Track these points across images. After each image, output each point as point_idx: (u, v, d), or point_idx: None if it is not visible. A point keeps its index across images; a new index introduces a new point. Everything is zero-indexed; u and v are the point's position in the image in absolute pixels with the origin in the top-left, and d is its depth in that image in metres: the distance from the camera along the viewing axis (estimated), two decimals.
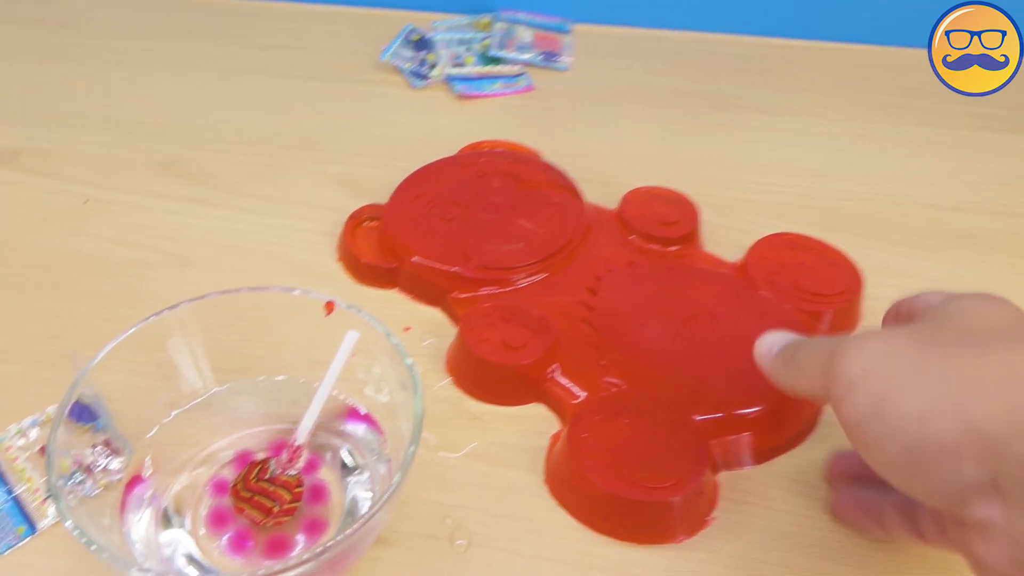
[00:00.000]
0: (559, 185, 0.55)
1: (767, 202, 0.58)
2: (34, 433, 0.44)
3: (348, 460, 0.40)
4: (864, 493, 0.39)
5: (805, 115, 0.66)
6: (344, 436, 0.41)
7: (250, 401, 0.41)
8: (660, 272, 0.51)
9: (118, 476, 0.39)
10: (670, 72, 0.70)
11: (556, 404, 0.45)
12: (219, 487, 0.38)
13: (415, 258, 0.50)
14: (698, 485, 0.40)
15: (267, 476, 0.37)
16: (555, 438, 0.43)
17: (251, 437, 0.40)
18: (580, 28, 0.75)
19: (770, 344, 0.40)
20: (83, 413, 0.42)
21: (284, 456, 0.38)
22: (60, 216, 0.55)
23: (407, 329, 0.49)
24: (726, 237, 0.55)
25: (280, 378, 0.42)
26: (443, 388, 0.46)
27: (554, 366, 0.45)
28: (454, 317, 0.49)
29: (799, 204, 0.58)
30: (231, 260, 0.52)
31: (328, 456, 0.40)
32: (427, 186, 0.55)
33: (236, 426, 0.41)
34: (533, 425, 0.44)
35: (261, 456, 0.39)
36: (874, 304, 0.50)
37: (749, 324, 0.47)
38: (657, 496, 0.39)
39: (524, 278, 0.50)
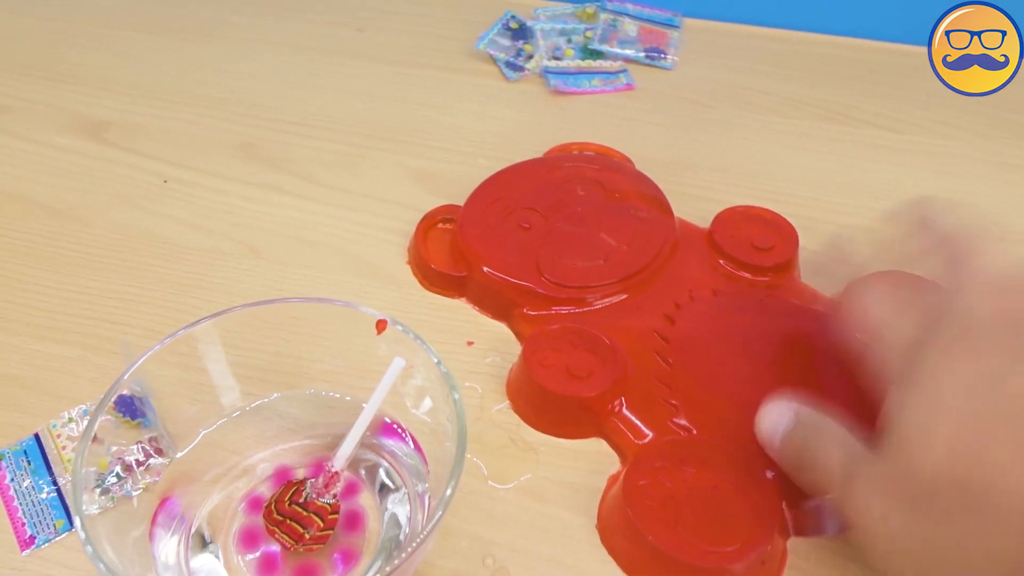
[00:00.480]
0: (649, 197, 0.52)
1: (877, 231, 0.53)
2: (86, 422, 0.43)
3: (387, 481, 0.38)
4: None
5: (933, 134, 0.60)
6: (384, 453, 0.39)
7: (295, 414, 0.40)
8: (747, 304, 0.47)
9: (159, 478, 0.39)
10: (785, 77, 0.65)
11: (618, 442, 0.42)
12: (254, 504, 0.37)
13: (485, 268, 0.47)
14: (763, 553, 0.36)
15: (301, 500, 0.36)
16: (612, 479, 0.40)
17: (293, 451, 0.39)
18: (691, 23, 0.70)
19: (773, 424, 0.38)
20: (130, 407, 0.41)
21: (320, 481, 0.36)
22: (138, 195, 0.54)
23: (470, 344, 0.46)
24: (825, 268, 0.50)
25: (329, 393, 0.40)
26: (500, 412, 0.43)
27: (620, 400, 0.42)
28: (520, 335, 0.47)
29: None
30: (301, 254, 0.51)
31: (366, 473, 0.38)
32: (507, 189, 0.52)
33: (279, 438, 0.39)
34: (592, 462, 0.41)
35: (300, 474, 0.38)
36: None
37: (840, 372, 0.43)
38: (715, 561, 0.36)
39: (599, 299, 0.47)
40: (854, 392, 0.42)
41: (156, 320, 0.47)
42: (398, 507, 0.37)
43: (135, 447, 0.40)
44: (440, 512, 0.31)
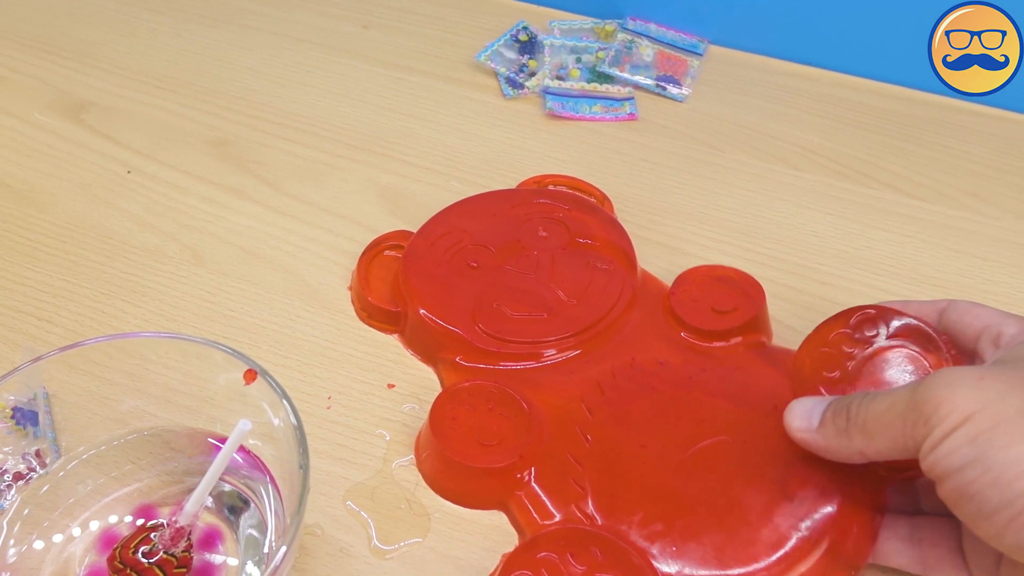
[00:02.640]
0: (615, 247, 0.48)
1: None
2: None
3: (238, 502, 0.36)
4: (910, 529, 0.36)
5: (958, 206, 0.54)
6: (227, 476, 0.37)
7: (168, 447, 0.38)
8: (695, 377, 0.42)
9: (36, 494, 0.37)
10: (802, 122, 0.59)
11: (520, 519, 0.38)
12: (107, 542, 0.35)
13: (421, 310, 0.44)
14: None
15: (148, 548, 0.34)
16: (504, 561, 0.37)
17: (161, 486, 0.37)
18: (715, 51, 0.65)
19: (807, 412, 0.36)
20: (24, 415, 0.40)
21: (167, 533, 0.34)
22: (99, 184, 0.53)
23: (391, 386, 0.43)
24: (794, 344, 0.45)
25: (206, 431, 0.38)
26: (401, 467, 0.40)
27: (529, 471, 0.39)
28: (445, 384, 0.44)
29: None
30: (243, 266, 0.49)
31: (213, 502, 0.36)
32: (464, 221, 0.49)
33: (153, 471, 0.37)
34: (487, 538, 0.38)
35: (163, 513, 0.36)
36: None
37: (771, 462, 0.38)
38: None
39: (535, 356, 0.43)
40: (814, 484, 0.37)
41: (79, 321, 0.46)
42: (250, 524, 0.36)
43: (19, 458, 0.39)
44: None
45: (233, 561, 0.35)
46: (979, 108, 0.61)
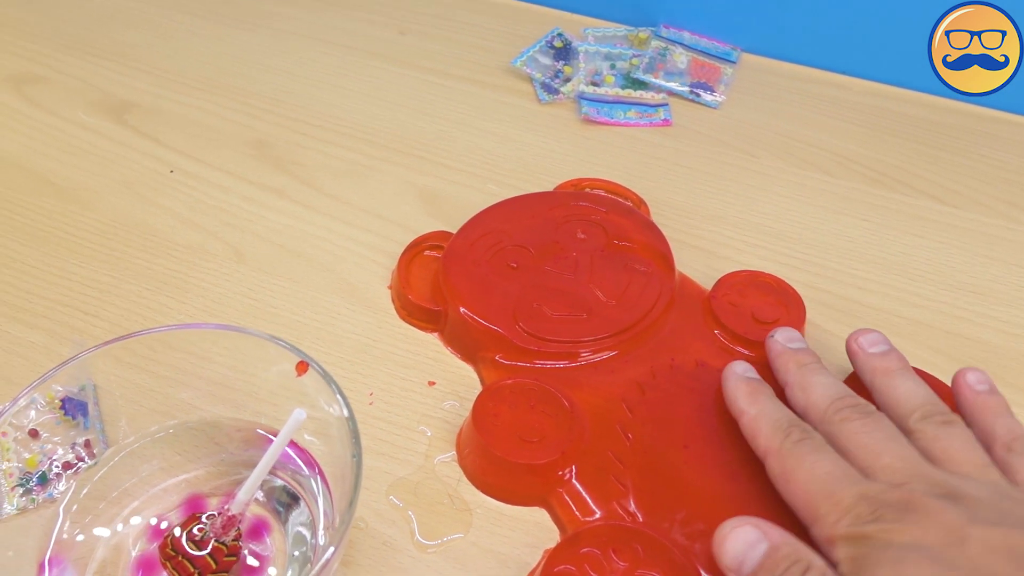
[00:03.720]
0: (652, 249, 0.48)
1: (900, 316, 0.48)
2: (33, 412, 0.43)
3: (287, 498, 0.37)
4: None
5: (992, 212, 0.54)
6: (280, 471, 0.37)
7: (222, 440, 0.38)
8: None
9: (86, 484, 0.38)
10: (838, 130, 0.60)
11: (562, 516, 0.38)
12: (156, 532, 0.36)
13: (461, 308, 0.45)
14: None
15: (198, 537, 0.34)
16: (547, 555, 0.37)
17: (211, 477, 0.38)
18: (748, 59, 0.66)
19: (738, 554, 0.33)
20: (72, 406, 0.41)
21: (218, 521, 0.34)
22: (142, 182, 0.54)
23: (431, 384, 0.44)
24: (835, 352, 0.45)
25: (255, 423, 0.39)
26: (443, 463, 0.41)
27: (570, 468, 0.39)
28: (485, 382, 0.44)
29: (941, 326, 0.47)
30: (284, 264, 0.49)
31: (264, 496, 0.37)
32: (503, 222, 0.49)
33: (201, 462, 0.38)
34: (528, 534, 0.38)
35: (213, 504, 0.36)
36: None
37: None
38: None
39: (575, 355, 0.44)
40: None
41: (124, 316, 0.46)
42: (300, 520, 0.36)
43: (68, 448, 0.40)
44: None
45: (281, 552, 0.36)
46: (1013, 118, 0.61)
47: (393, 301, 0.48)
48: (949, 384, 0.40)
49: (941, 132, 0.60)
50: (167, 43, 0.66)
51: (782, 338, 0.41)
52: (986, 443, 0.35)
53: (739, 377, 0.39)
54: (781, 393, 0.40)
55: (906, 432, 0.35)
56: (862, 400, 0.37)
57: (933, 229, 0.53)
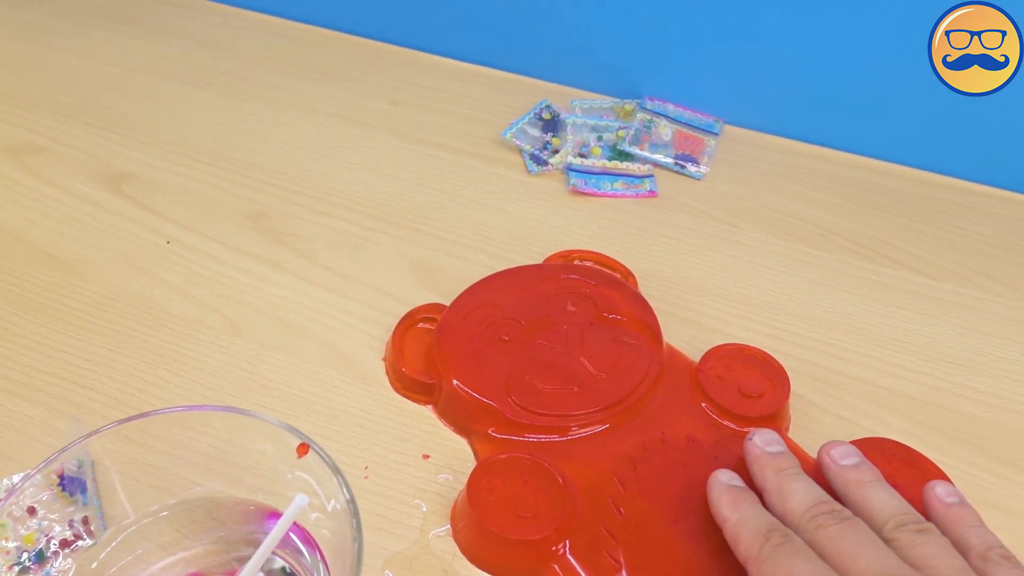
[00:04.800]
0: (641, 322, 0.49)
1: (881, 387, 0.49)
2: (31, 489, 0.43)
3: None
4: None
5: (973, 286, 0.56)
6: (282, 551, 0.37)
7: (221, 518, 0.39)
8: (722, 456, 0.44)
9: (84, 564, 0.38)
10: (821, 202, 0.62)
11: None
12: None
13: (455, 381, 0.46)
14: None
15: None
16: None
17: (209, 556, 0.38)
18: (731, 131, 0.68)
19: None
20: (70, 482, 0.41)
21: None
22: (140, 254, 0.55)
23: (426, 457, 0.45)
24: (818, 422, 0.47)
25: (254, 501, 0.39)
26: (438, 537, 0.41)
27: (564, 543, 0.40)
28: (479, 456, 0.45)
29: (921, 397, 0.48)
30: (280, 337, 0.50)
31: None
32: (495, 295, 0.50)
33: (199, 540, 0.38)
34: None
35: None
36: None
37: None
38: None
39: (567, 429, 0.45)
40: None
41: (121, 390, 0.47)
42: None
43: (65, 524, 0.40)
44: None
45: None
46: (991, 191, 0.63)
47: (387, 373, 0.49)
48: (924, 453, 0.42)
49: (921, 205, 0.62)
50: (165, 114, 0.68)
51: (760, 441, 0.41)
52: (961, 553, 0.36)
53: (723, 486, 0.40)
54: None
55: (883, 541, 0.36)
56: (839, 506, 0.37)
57: (913, 300, 0.55)
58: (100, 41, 0.76)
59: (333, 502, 0.35)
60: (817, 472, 0.42)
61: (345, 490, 0.34)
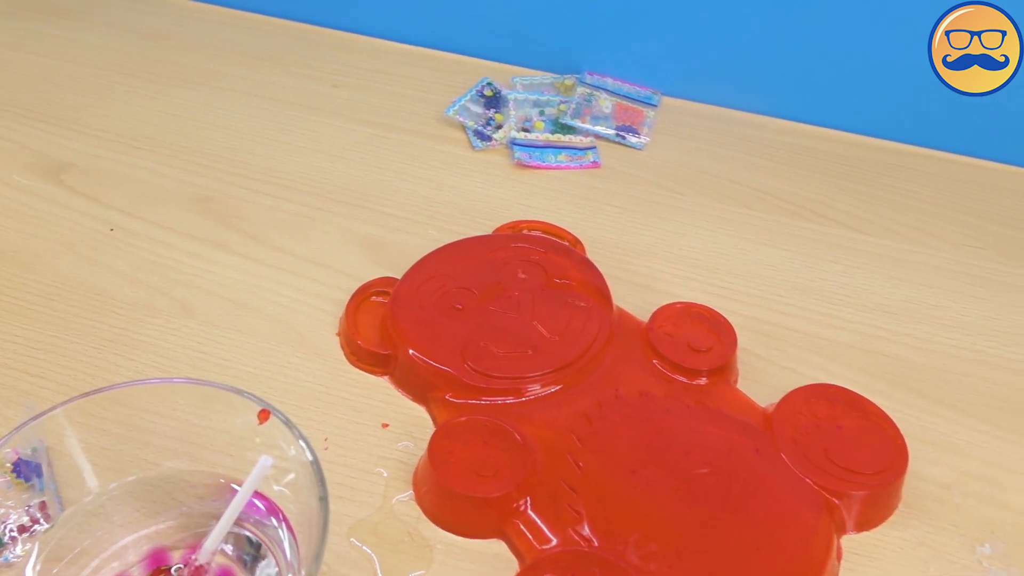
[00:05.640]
0: (590, 286, 0.50)
1: (822, 338, 0.51)
2: None
3: (254, 551, 0.37)
4: None
5: (903, 239, 0.58)
6: (247, 523, 0.37)
7: (180, 493, 0.39)
8: (674, 409, 0.45)
9: (43, 546, 0.38)
10: (757, 166, 0.64)
11: (519, 545, 0.40)
12: None
13: (411, 351, 0.46)
14: None
15: None
16: None
17: (173, 531, 0.38)
18: (669, 102, 0.69)
19: None
20: (25, 468, 0.41)
21: (185, 572, 0.35)
22: (83, 242, 0.54)
23: (385, 426, 0.45)
24: (765, 374, 0.48)
25: (219, 475, 0.39)
26: (401, 503, 0.42)
27: (525, 500, 0.41)
28: (438, 421, 0.45)
29: (860, 346, 0.51)
30: (232, 318, 0.50)
31: (233, 548, 0.37)
32: (446, 266, 0.51)
33: (161, 517, 0.38)
34: (488, 566, 0.40)
35: (176, 557, 0.37)
36: (919, 486, 0.43)
37: (759, 495, 0.41)
38: None
39: (523, 391, 0.45)
40: (777, 516, 0.40)
41: (72, 376, 0.46)
42: (266, 571, 0.36)
43: (22, 511, 0.39)
44: None
45: None
46: (919, 151, 0.66)
47: (342, 347, 0.49)
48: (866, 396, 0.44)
49: (852, 166, 0.65)
50: (103, 103, 0.67)
51: None
52: None
53: None
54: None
55: None
56: None
57: (848, 255, 0.57)
58: (35, 34, 0.75)
59: (296, 471, 0.36)
60: (768, 420, 0.44)
61: (308, 452, 0.34)
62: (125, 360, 0.48)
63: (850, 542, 0.41)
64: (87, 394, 0.37)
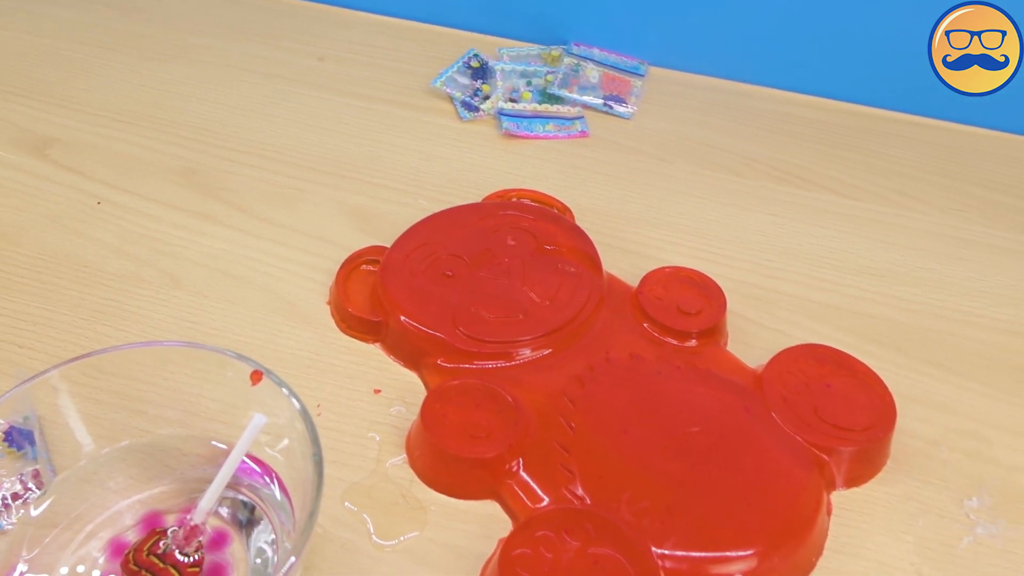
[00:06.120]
0: (580, 252, 0.51)
1: (811, 300, 0.51)
2: None
3: (250, 515, 0.37)
4: None
5: (889, 203, 0.59)
6: (243, 487, 0.38)
7: (173, 457, 0.39)
8: (665, 371, 0.45)
9: (37, 513, 0.38)
10: (743, 134, 0.64)
11: (512, 505, 0.40)
12: (117, 550, 0.36)
13: (402, 317, 0.46)
14: None
15: (160, 551, 0.35)
16: (502, 544, 0.39)
17: (166, 495, 0.38)
18: (656, 72, 0.69)
19: None
20: (17, 437, 0.41)
21: (180, 533, 0.35)
22: (69, 215, 0.54)
23: (377, 392, 0.45)
24: (754, 336, 0.49)
25: (212, 439, 0.39)
26: (395, 466, 0.42)
27: (517, 461, 0.41)
28: (430, 386, 0.45)
29: (848, 308, 0.51)
30: (222, 288, 0.50)
31: (228, 512, 0.37)
32: (436, 234, 0.51)
33: (155, 481, 0.38)
34: (483, 526, 0.40)
35: (170, 520, 0.37)
36: (907, 443, 0.44)
37: (750, 453, 0.42)
38: None
39: (514, 355, 0.46)
40: (767, 473, 0.41)
41: (62, 347, 0.46)
42: (263, 539, 0.37)
43: (15, 479, 0.39)
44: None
45: (243, 562, 0.36)
46: (905, 117, 0.66)
47: (333, 316, 0.49)
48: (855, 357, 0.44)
49: (838, 132, 0.65)
50: (84, 78, 0.66)
51: None
52: None
53: None
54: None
55: None
56: None
57: (836, 220, 0.57)
58: (8, 11, 0.74)
59: (289, 436, 0.36)
60: (758, 380, 0.44)
61: (301, 411, 0.34)
62: (114, 331, 0.47)
63: (840, 498, 0.42)
64: (79, 357, 0.37)
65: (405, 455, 0.42)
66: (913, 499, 0.42)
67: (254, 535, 0.37)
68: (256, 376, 0.36)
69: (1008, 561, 0.40)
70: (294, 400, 0.34)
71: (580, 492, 0.40)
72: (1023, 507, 0.42)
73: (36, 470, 0.39)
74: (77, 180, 0.57)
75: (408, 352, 0.47)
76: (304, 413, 0.34)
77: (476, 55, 0.67)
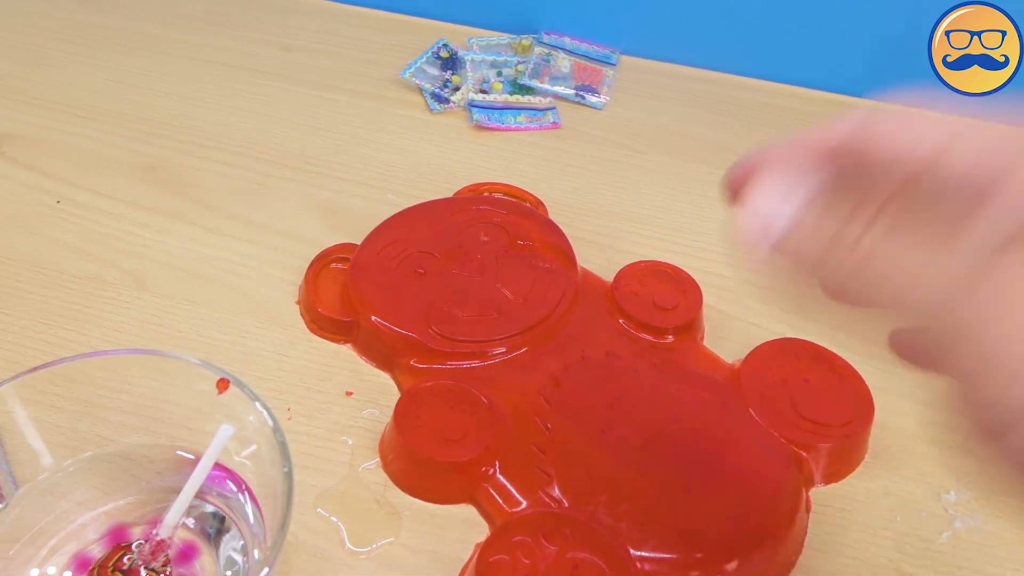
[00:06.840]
0: (554, 247, 0.50)
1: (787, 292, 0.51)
2: None
3: (219, 524, 0.36)
4: None
5: None
6: (210, 497, 0.37)
7: (139, 468, 0.38)
8: (641, 368, 0.45)
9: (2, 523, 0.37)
10: (716, 122, 0.63)
11: (489, 509, 0.39)
12: (82, 564, 0.35)
13: (373, 317, 0.45)
14: None
15: (125, 567, 0.34)
16: (478, 548, 0.38)
17: (132, 507, 0.37)
18: (628, 61, 0.69)
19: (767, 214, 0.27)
20: None
21: (147, 547, 0.34)
22: (28, 215, 0.52)
23: (349, 394, 0.44)
24: (731, 331, 0.48)
25: (177, 448, 0.38)
26: (368, 471, 0.41)
27: (494, 464, 0.40)
28: (403, 388, 0.45)
29: (825, 299, 0.51)
30: (187, 288, 0.49)
31: (195, 523, 0.36)
32: (407, 231, 0.50)
33: (120, 493, 0.37)
34: (458, 530, 0.39)
35: (136, 533, 0.36)
36: (885, 437, 0.43)
37: (728, 451, 0.41)
38: None
39: (488, 354, 0.45)
40: (746, 472, 0.40)
41: (20, 353, 0.45)
42: (232, 547, 0.36)
43: None
44: None
45: (212, 575, 0.35)
46: (869, 103, 0.66)
47: (302, 316, 0.48)
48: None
49: (807, 120, 0.64)
50: (41, 71, 0.64)
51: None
52: None
53: None
54: None
55: None
56: None
57: None
58: None
59: (258, 442, 0.35)
60: (735, 376, 0.44)
61: (269, 419, 0.33)
62: (76, 335, 0.46)
63: (819, 494, 0.41)
64: (35, 368, 0.35)
65: (378, 459, 0.42)
66: (891, 494, 0.42)
67: (223, 544, 0.36)
68: (223, 384, 0.35)
69: (986, 555, 0.40)
70: (262, 409, 0.33)
71: (557, 494, 0.39)
72: (1001, 501, 0.42)
73: None
74: (35, 178, 0.55)
75: (380, 353, 0.46)
76: (273, 423, 0.33)
77: (446, 45, 0.66)
